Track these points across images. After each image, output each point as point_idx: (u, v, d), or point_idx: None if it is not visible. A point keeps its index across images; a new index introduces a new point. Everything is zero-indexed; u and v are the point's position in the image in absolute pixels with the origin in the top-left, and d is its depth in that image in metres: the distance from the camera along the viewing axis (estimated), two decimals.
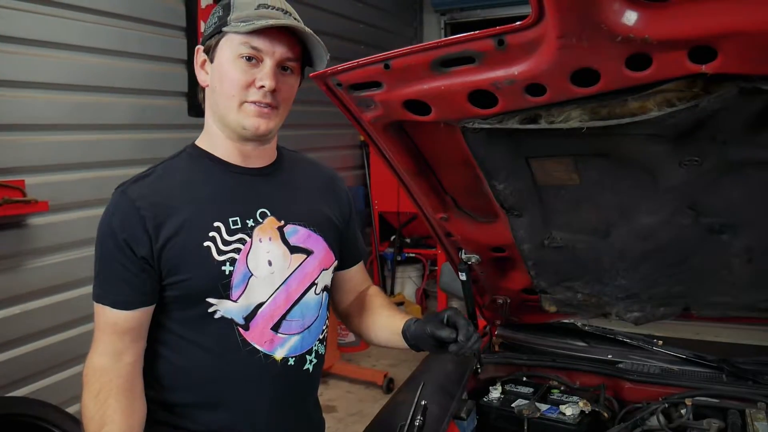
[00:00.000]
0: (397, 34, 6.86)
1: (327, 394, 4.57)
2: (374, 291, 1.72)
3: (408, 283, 6.07)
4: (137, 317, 1.34)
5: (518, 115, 1.31)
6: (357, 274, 1.71)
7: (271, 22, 1.29)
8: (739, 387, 1.77)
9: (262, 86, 1.31)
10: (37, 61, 3.02)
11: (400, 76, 1.31)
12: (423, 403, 1.64)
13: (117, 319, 1.33)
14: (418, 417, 1.62)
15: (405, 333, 1.50)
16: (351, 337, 5.36)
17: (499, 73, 1.21)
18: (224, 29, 1.33)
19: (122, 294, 1.33)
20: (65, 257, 3.13)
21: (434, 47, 1.23)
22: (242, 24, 1.29)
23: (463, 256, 1.91)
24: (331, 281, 1.64)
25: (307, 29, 1.33)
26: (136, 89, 3.52)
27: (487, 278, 2.03)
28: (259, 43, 1.31)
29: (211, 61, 1.37)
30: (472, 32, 1.18)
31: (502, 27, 1.15)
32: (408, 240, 5.99)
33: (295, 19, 1.36)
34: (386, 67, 1.30)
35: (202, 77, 1.40)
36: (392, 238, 6.01)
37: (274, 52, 1.32)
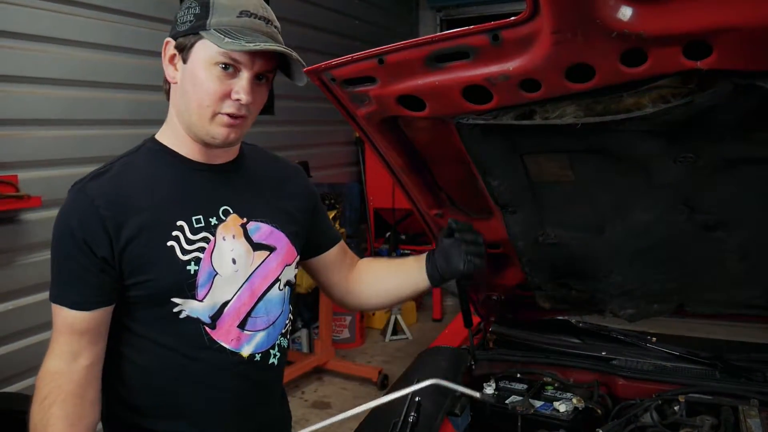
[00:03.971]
0: (393, 31, 6.86)
1: (321, 390, 4.57)
2: (367, 258, 1.78)
3: None
4: (95, 318, 1.31)
5: (513, 110, 1.31)
6: (341, 253, 1.71)
7: (260, 45, 1.23)
8: (732, 384, 1.77)
9: (238, 99, 1.28)
10: (32, 55, 3.01)
11: (395, 71, 1.31)
12: (417, 399, 1.63)
13: (74, 320, 1.29)
14: (412, 413, 1.61)
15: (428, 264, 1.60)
16: (346, 334, 5.36)
17: (493, 68, 1.21)
18: (202, 33, 1.26)
19: (80, 294, 1.29)
20: None
21: (428, 42, 1.23)
22: (226, 39, 1.23)
23: None
24: (319, 266, 1.68)
25: (291, 52, 1.28)
26: (132, 84, 3.51)
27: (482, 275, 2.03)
28: (239, 56, 1.26)
29: (184, 61, 1.31)
30: (467, 27, 1.17)
31: (497, 22, 1.14)
32: (403, 236, 6.00)
33: (275, 26, 1.32)
34: (380, 62, 1.29)
35: (170, 73, 1.34)
36: (387, 234, 6.02)
37: (253, 65, 1.28)
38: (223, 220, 1.39)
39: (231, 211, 1.41)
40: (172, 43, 1.32)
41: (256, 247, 1.43)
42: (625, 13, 1.03)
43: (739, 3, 0.98)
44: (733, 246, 1.65)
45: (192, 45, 1.29)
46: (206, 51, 1.27)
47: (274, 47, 1.25)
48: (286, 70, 1.37)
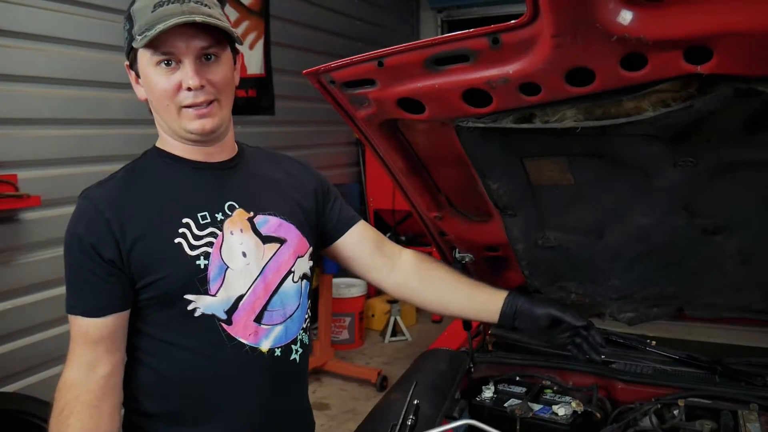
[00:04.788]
0: (393, 31, 6.87)
1: (320, 391, 4.57)
2: (422, 258, 1.68)
3: None
4: (110, 324, 1.31)
5: (513, 114, 1.30)
6: (366, 233, 1.66)
7: (159, 27, 1.23)
8: (731, 388, 1.76)
9: (189, 87, 1.28)
10: (31, 54, 3.01)
11: (394, 74, 1.30)
12: (415, 402, 1.63)
13: (88, 328, 1.30)
14: (410, 416, 1.61)
15: (508, 308, 1.55)
16: (345, 335, 5.36)
17: (493, 71, 1.21)
18: (133, 44, 1.28)
19: (92, 301, 1.30)
20: (57, 252, 3.07)
21: (428, 45, 1.22)
22: (138, 38, 1.25)
23: (457, 255, 1.91)
24: (344, 252, 1.64)
25: (198, 18, 1.25)
26: (131, 84, 3.49)
27: (481, 277, 2.02)
28: (167, 47, 1.26)
29: (139, 76, 1.34)
30: (467, 30, 1.17)
31: (497, 25, 1.14)
32: (403, 238, 5.99)
33: (197, 1, 1.29)
34: (380, 64, 1.29)
35: (139, 93, 1.39)
36: (387, 235, 5.99)
37: (187, 48, 1.27)
38: (229, 215, 1.39)
39: (237, 206, 1.41)
40: (127, 65, 1.37)
41: (266, 240, 1.43)
42: (626, 17, 1.03)
43: (740, 8, 0.97)
44: (733, 250, 1.64)
45: (135, 59, 1.32)
46: (143, 57, 1.30)
47: (173, 22, 1.23)
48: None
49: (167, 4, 1.27)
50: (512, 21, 1.11)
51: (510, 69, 1.18)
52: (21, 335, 3.03)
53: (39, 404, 2.64)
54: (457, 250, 1.92)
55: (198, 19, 1.24)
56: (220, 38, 1.32)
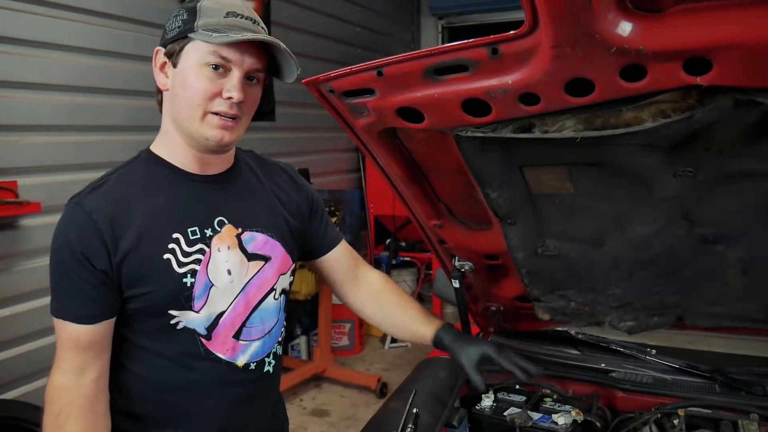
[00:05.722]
0: (394, 38, 6.88)
1: (320, 398, 4.56)
2: (381, 282, 1.78)
3: (403, 286, 6.05)
4: (99, 331, 1.31)
5: (512, 124, 1.30)
6: (344, 255, 1.72)
7: (248, 35, 1.26)
8: (732, 398, 1.76)
9: (230, 98, 1.29)
10: (32, 61, 3.02)
11: (393, 84, 1.30)
12: (414, 411, 1.63)
13: (79, 334, 1.30)
14: (410, 425, 1.61)
15: (438, 345, 1.66)
16: (345, 341, 5.36)
17: (492, 81, 1.20)
18: (191, 35, 1.28)
19: (83, 308, 1.30)
20: None
21: (427, 55, 1.22)
22: (215, 35, 1.26)
23: (457, 263, 1.90)
24: (320, 268, 1.70)
25: (282, 45, 1.31)
26: (132, 90, 3.51)
27: (481, 285, 2.02)
28: (229, 53, 1.28)
29: (174, 65, 1.32)
30: (466, 40, 1.17)
31: (496, 36, 1.14)
32: (403, 244, 6.00)
33: (261, 27, 1.35)
34: (379, 74, 1.29)
35: (161, 80, 1.36)
36: (387, 241, 6.01)
37: (243, 62, 1.29)
38: (218, 231, 1.39)
39: (226, 222, 1.41)
40: (162, 50, 1.34)
41: (251, 257, 1.44)
42: (625, 28, 1.03)
43: (739, 20, 0.97)
44: (734, 259, 1.64)
45: (181, 49, 1.30)
46: (196, 52, 1.29)
47: (261, 37, 1.28)
48: (276, 72, 1.39)
49: (241, 18, 1.30)
50: (511, 32, 1.11)
51: (509, 79, 1.18)
52: (20, 342, 3.02)
53: (32, 409, 2.63)
54: (456, 258, 1.91)
55: (282, 46, 1.30)
56: (266, 67, 1.35)
